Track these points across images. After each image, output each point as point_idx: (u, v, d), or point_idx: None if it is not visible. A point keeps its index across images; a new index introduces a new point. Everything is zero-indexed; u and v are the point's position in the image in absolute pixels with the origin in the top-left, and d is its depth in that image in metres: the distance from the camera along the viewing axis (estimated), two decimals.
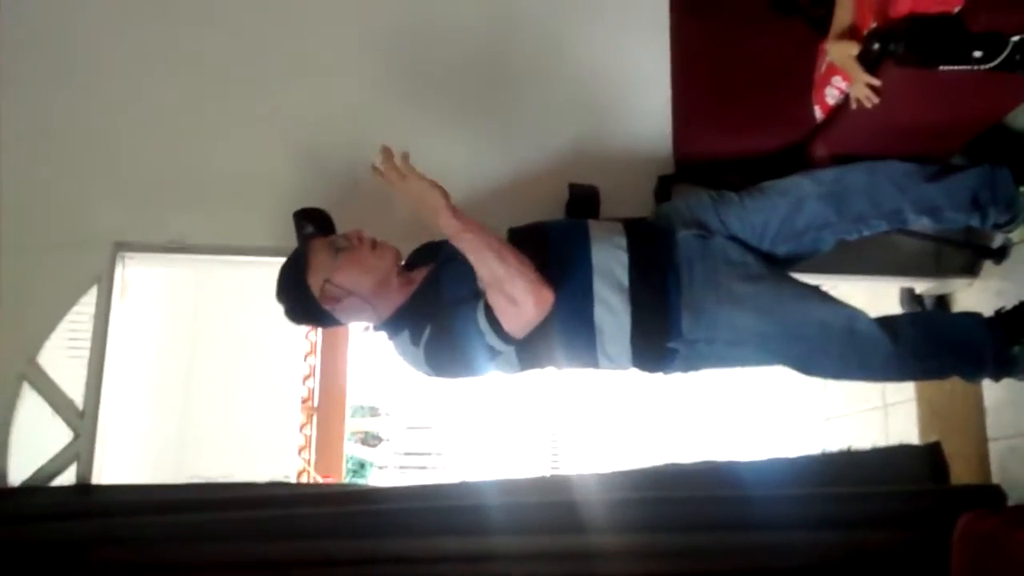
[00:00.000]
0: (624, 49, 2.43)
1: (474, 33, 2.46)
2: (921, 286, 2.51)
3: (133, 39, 2.40)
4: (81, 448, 2.14)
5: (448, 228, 1.87)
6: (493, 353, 1.88)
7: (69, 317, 2.22)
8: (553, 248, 1.98)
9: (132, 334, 2.58)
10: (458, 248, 1.88)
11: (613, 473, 2.07)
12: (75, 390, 2.18)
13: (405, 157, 1.91)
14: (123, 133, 2.35)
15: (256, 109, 2.37)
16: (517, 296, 1.81)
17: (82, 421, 2.16)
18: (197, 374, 4.46)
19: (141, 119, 2.35)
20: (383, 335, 2.04)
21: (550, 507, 1.94)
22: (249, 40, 2.42)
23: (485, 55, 2.44)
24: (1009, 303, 2.06)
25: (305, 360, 5.61)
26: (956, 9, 1.68)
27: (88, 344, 2.20)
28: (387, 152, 1.91)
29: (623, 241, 2.00)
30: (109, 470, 2.21)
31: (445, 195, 1.87)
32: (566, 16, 2.45)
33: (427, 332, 1.90)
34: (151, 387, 3.88)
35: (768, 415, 4.01)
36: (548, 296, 1.83)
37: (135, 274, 2.37)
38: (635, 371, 2.05)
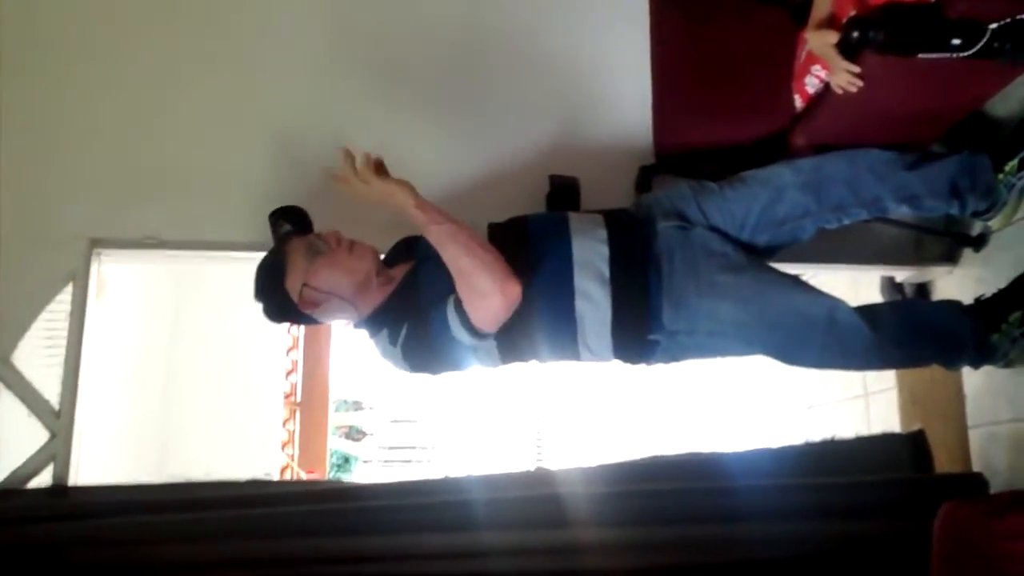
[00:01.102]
0: (603, 39, 2.42)
1: (451, 26, 2.43)
2: (901, 274, 2.52)
3: (107, 35, 2.37)
4: (57, 449, 2.11)
5: (416, 221, 1.87)
6: (468, 347, 1.87)
7: (44, 315, 2.19)
8: (533, 241, 1.97)
9: (109, 331, 2.55)
10: (428, 241, 1.87)
11: (598, 466, 2.06)
12: (51, 390, 2.15)
13: (366, 159, 1.90)
14: (98, 128, 2.31)
15: (232, 104, 2.35)
16: (483, 287, 1.81)
17: (58, 421, 2.13)
18: (177, 371, 4.41)
19: (116, 113, 2.32)
20: (364, 333, 2.03)
21: (535, 502, 1.93)
22: (224, 35, 2.39)
23: (462, 48, 2.42)
24: (989, 291, 2.07)
25: (287, 355, 5.57)
26: None
27: (64, 343, 2.17)
28: (347, 155, 1.90)
29: (603, 233, 2.00)
30: (88, 470, 2.18)
31: (411, 191, 1.88)
32: (544, 6, 2.43)
33: (404, 331, 1.89)
34: (130, 384, 3.84)
35: (750, 404, 4.03)
36: (515, 288, 1.82)
37: (112, 271, 2.34)
38: (617, 363, 2.04)
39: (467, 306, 1.82)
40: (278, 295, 1.94)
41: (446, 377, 1.98)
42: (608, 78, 2.41)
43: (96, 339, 2.24)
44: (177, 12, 2.39)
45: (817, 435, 2.16)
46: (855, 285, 2.72)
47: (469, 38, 2.42)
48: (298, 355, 5.67)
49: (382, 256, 2.07)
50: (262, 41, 2.39)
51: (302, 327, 5.16)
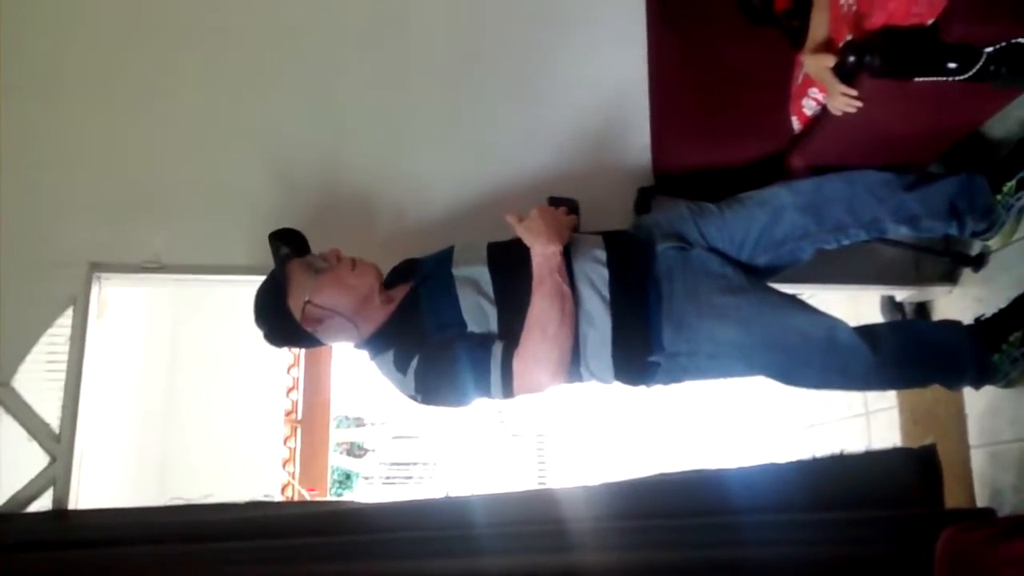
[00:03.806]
0: (602, 62, 2.43)
1: (452, 49, 2.45)
2: (901, 294, 2.52)
3: (105, 59, 2.38)
4: (57, 472, 2.11)
5: (542, 266, 1.91)
6: (488, 390, 1.88)
7: (45, 339, 2.19)
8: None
9: (110, 354, 2.55)
10: (536, 280, 1.89)
11: (601, 485, 2.04)
12: (51, 413, 2.15)
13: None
14: (97, 152, 2.32)
15: (232, 127, 2.35)
16: (548, 360, 1.85)
17: (58, 445, 2.12)
18: (178, 391, 4.41)
19: (114, 137, 2.33)
20: (365, 354, 2.03)
21: (538, 524, 1.92)
22: (224, 57, 2.40)
23: (463, 70, 2.43)
24: (988, 311, 2.07)
25: (288, 372, 5.56)
26: (930, 21, 1.69)
27: (64, 366, 2.17)
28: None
29: (603, 255, 2.00)
30: (88, 493, 2.17)
31: (559, 242, 1.93)
32: (545, 31, 2.45)
33: (416, 360, 1.88)
34: (130, 405, 3.84)
35: (751, 423, 4.01)
36: (561, 381, 1.88)
37: (112, 293, 2.34)
38: (617, 385, 2.04)
39: (520, 364, 1.84)
40: (280, 314, 1.95)
41: (452, 411, 1.98)
42: (607, 100, 2.42)
43: (96, 362, 2.24)
44: (176, 36, 2.39)
45: (819, 454, 2.14)
46: (856, 305, 2.72)
47: (472, 62, 2.44)
48: (299, 372, 5.66)
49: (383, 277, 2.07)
50: (261, 64, 2.40)
51: None
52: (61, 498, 2.09)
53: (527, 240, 1.95)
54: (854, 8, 1.79)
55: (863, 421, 2.97)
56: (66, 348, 2.18)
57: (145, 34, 2.39)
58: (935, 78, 1.72)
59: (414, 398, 1.94)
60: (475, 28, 2.46)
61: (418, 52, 2.44)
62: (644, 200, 2.32)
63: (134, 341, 3.82)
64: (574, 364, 1.95)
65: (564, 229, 1.98)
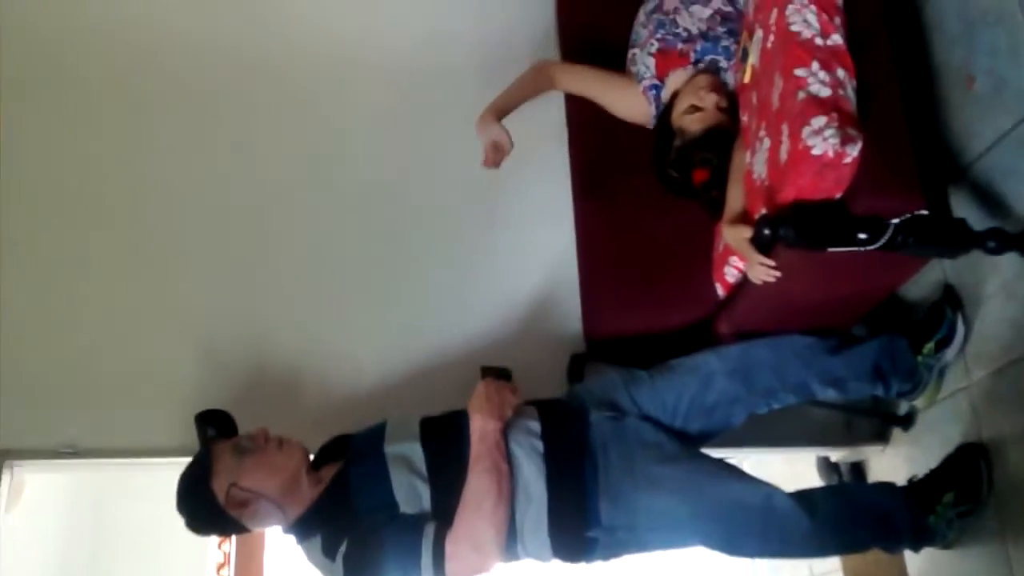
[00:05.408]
0: (532, 233, 2.50)
1: (382, 222, 2.48)
2: (835, 454, 2.53)
3: (15, 233, 2.33)
4: None
5: (480, 442, 1.88)
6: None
7: None
8: (468, 438, 1.93)
9: (24, 541, 2.41)
10: (474, 456, 1.86)
11: None
12: None
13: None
14: (7, 332, 2.24)
15: (152, 304, 2.32)
16: (483, 543, 1.80)
17: None
18: (100, 573, 4.16)
19: (27, 317, 2.26)
20: (292, 539, 1.94)
21: None
22: (142, 232, 2.39)
23: (391, 243, 2.46)
24: (920, 470, 2.08)
25: (219, 547, 5.31)
26: (838, 195, 1.77)
27: None
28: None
29: (537, 426, 1.98)
30: None
31: (499, 416, 1.92)
32: (474, 204, 2.50)
33: (345, 545, 1.80)
34: None
35: None
36: (497, 559, 1.83)
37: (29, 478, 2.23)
38: (555, 563, 1.97)
39: (454, 545, 1.77)
40: (203, 498, 1.86)
41: None
42: (538, 269, 2.47)
43: (9, 552, 2.11)
44: (90, 212, 2.38)
45: None
46: (792, 465, 2.72)
47: (398, 234, 2.47)
48: (230, 547, 5.40)
49: (311, 457, 2.01)
50: (180, 239, 2.39)
51: None
52: None
53: (469, 411, 1.93)
54: (766, 182, 1.87)
55: None
56: None
57: (58, 210, 2.38)
58: (848, 248, 1.78)
59: None
60: (404, 202, 2.51)
61: (346, 225, 2.47)
62: (577, 367, 2.33)
63: (52, 527, 3.61)
64: (510, 542, 1.89)
65: (507, 407, 1.97)
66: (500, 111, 2.27)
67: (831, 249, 1.79)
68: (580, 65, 2.43)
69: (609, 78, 2.38)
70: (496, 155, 2.22)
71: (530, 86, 2.35)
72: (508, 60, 2.47)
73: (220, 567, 5.29)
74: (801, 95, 1.74)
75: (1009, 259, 1.84)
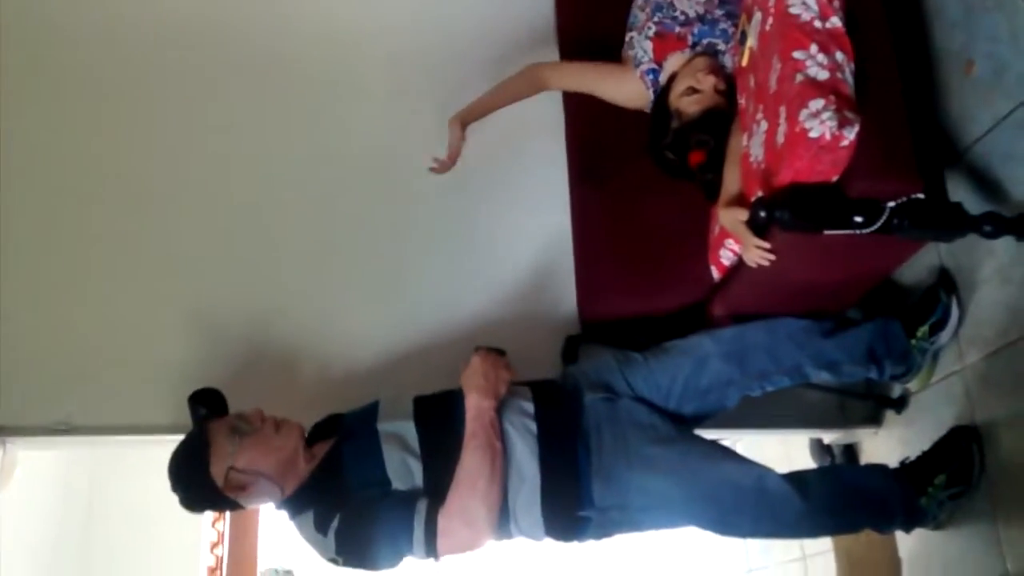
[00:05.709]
0: (528, 215, 2.50)
1: (382, 204, 2.48)
2: (828, 437, 2.54)
3: (15, 212, 2.33)
4: None
5: (475, 420, 1.89)
6: (411, 551, 1.81)
7: None
8: (462, 417, 1.93)
9: (18, 517, 2.41)
10: (468, 432, 1.86)
11: None
12: None
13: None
14: (4, 310, 2.24)
15: (146, 283, 2.32)
16: (476, 519, 1.80)
17: None
18: (94, 550, 4.17)
19: (24, 294, 2.26)
20: (284, 514, 1.95)
21: None
22: (139, 212, 2.39)
23: (390, 224, 2.46)
24: (913, 453, 2.09)
25: (213, 527, 5.32)
26: (834, 178, 1.76)
27: None
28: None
29: (531, 407, 1.99)
30: None
31: (493, 395, 1.93)
32: (470, 186, 2.49)
33: (337, 520, 1.81)
34: (41, 571, 3.60)
35: (689, 570, 3.94)
36: (489, 537, 1.84)
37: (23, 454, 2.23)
38: (548, 541, 1.98)
39: (446, 521, 1.78)
40: (202, 482, 1.87)
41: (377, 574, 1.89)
42: (534, 251, 2.48)
43: (2, 528, 2.11)
44: (92, 193, 2.38)
45: None
46: (787, 447, 2.73)
47: (396, 215, 2.47)
48: (224, 526, 5.42)
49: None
50: (176, 219, 2.39)
51: None
52: None
53: (464, 388, 1.93)
54: (763, 165, 1.86)
55: (800, 566, 2.93)
56: None
57: (60, 192, 2.38)
58: (843, 231, 1.78)
59: (335, 561, 1.86)
60: (402, 186, 2.50)
61: (343, 206, 2.46)
62: (572, 349, 2.33)
63: (46, 502, 3.62)
64: (503, 520, 1.90)
65: (502, 384, 1.97)
66: (470, 116, 2.31)
67: (827, 232, 1.79)
68: (570, 62, 2.45)
69: (603, 69, 2.37)
70: (442, 165, 2.29)
71: (514, 91, 2.36)
72: (509, 53, 2.50)
73: (214, 546, 5.32)
74: (799, 78, 1.73)
75: (1005, 243, 1.84)
